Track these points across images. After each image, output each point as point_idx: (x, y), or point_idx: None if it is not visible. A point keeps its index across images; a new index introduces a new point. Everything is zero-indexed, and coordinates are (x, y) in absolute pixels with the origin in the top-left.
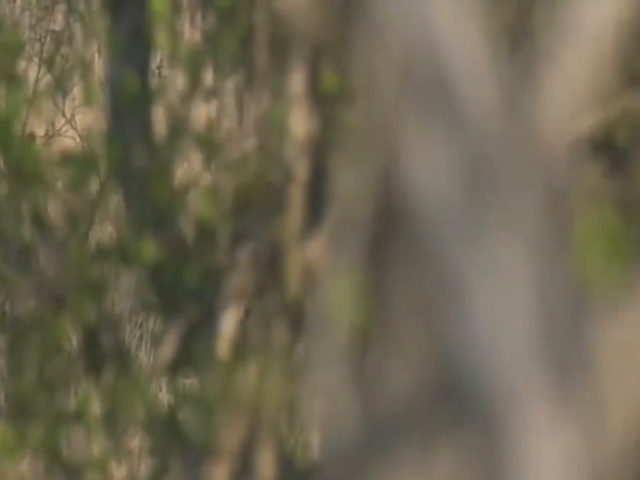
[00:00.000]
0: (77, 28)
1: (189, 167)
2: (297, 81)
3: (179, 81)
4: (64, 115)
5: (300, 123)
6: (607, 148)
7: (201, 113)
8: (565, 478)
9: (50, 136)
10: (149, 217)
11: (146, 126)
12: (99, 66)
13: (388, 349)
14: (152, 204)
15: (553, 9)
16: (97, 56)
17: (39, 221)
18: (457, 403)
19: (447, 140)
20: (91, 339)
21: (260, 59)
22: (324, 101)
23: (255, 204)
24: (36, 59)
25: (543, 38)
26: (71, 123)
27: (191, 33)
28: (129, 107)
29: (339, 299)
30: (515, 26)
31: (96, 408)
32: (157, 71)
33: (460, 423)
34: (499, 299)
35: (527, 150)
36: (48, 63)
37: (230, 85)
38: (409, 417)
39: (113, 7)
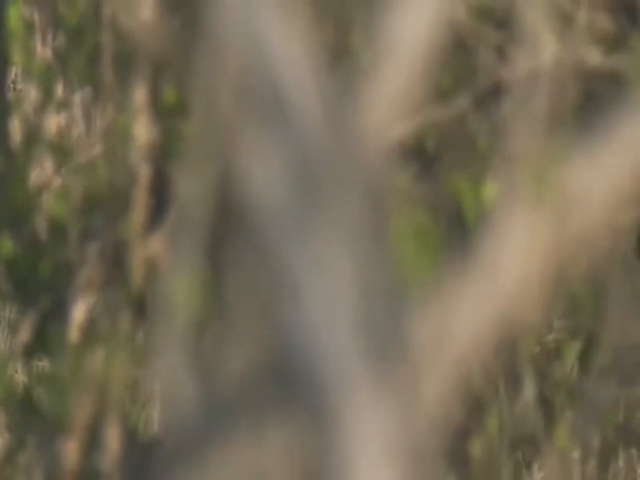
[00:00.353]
0: None
1: (42, 171)
2: (139, 94)
3: (32, 94)
4: None
5: (142, 131)
6: (417, 154)
7: (53, 122)
8: (383, 450)
9: None
10: (6, 216)
11: (3, 134)
12: None
13: (225, 337)
14: (9, 204)
15: (370, 29)
16: None
17: None
18: (288, 386)
19: (279, 148)
20: None
21: (106, 74)
22: (164, 112)
23: (102, 204)
24: None
25: (362, 55)
26: None
27: (43, 50)
28: None
29: (178, 291)
30: (337, 45)
31: None
32: (12, 85)
33: (290, 403)
34: (326, 292)
35: (349, 156)
36: None
37: (78, 97)
38: (244, 398)
39: None
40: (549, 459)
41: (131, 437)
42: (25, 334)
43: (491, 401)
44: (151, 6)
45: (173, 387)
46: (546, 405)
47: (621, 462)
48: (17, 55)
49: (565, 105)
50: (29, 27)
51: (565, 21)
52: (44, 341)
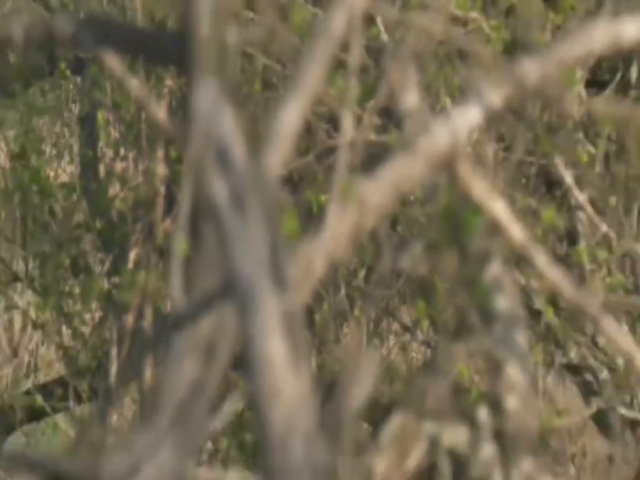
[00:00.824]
0: None
1: (114, 189)
2: (159, 153)
3: (109, 153)
4: None
5: (160, 171)
6: (290, 182)
7: (119, 167)
8: (280, 323)
9: None
10: (98, 211)
11: (95, 172)
12: None
13: (200, 268)
14: (98, 205)
15: (268, 122)
16: None
17: None
18: (231, 291)
19: (224, 178)
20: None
21: (143, 143)
22: (171, 162)
23: (142, 205)
24: None
25: (264, 135)
26: None
27: (114, 133)
28: None
29: (177, 245)
30: (252, 129)
31: None
32: (100, 149)
33: (231, 299)
34: (251, 247)
35: (260, 183)
36: None
37: (131, 155)
38: (209, 298)
39: None
40: (352, 323)
41: (157, 313)
42: (107, 266)
43: (324, 294)
44: (164, 111)
45: (175, 290)
46: (350, 298)
47: (384, 324)
48: (102, 135)
49: (359, 158)
50: (108, 121)
51: (358, 121)
52: (116, 268)
